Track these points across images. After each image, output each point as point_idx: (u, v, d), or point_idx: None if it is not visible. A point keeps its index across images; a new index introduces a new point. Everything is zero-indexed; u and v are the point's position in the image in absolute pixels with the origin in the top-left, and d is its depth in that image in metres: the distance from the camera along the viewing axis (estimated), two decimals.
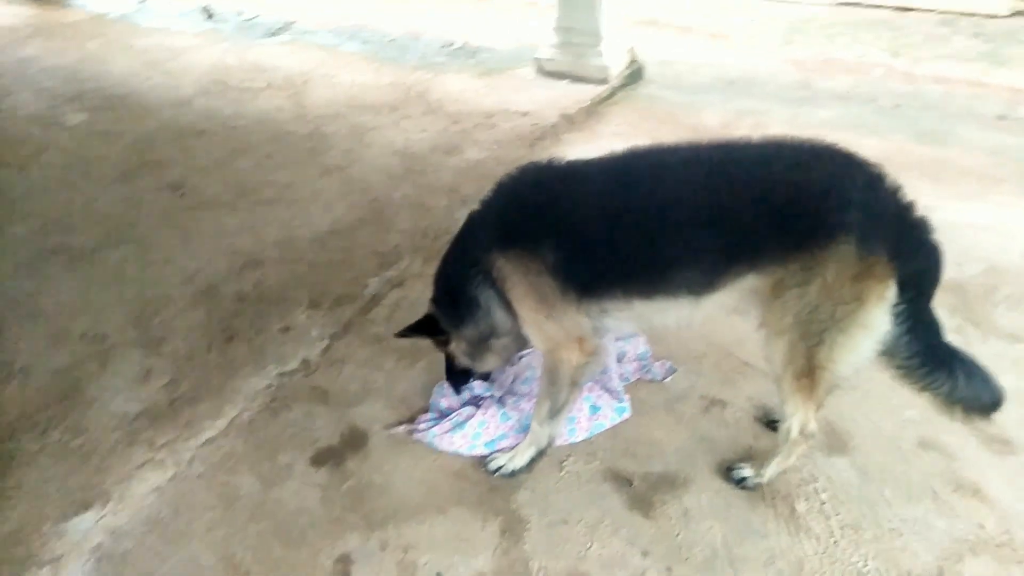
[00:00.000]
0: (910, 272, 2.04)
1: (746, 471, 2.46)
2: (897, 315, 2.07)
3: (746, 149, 2.19)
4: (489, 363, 2.66)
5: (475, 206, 2.45)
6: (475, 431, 2.62)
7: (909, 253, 2.04)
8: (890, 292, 2.04)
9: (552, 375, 2.40)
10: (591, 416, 2.68)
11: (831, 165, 2.09)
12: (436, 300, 2.55)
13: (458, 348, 2.58)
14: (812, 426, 2.31)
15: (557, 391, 2.40)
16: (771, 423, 2.68)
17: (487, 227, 2.36)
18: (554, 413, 2.45)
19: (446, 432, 2.61)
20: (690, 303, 2.23)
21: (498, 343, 2.55)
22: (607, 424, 2.69)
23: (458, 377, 2.72)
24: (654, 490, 2.47)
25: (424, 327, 2.55)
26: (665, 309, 2.27)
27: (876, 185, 2.04)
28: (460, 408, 2.72)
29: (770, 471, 2.43)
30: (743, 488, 2.45)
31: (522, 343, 2.55)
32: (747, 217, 2.07)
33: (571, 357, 2.33)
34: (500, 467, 2.52)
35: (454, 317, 2.49)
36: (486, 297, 2.38)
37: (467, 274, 2.38)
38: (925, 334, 2.14)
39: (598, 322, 2.33)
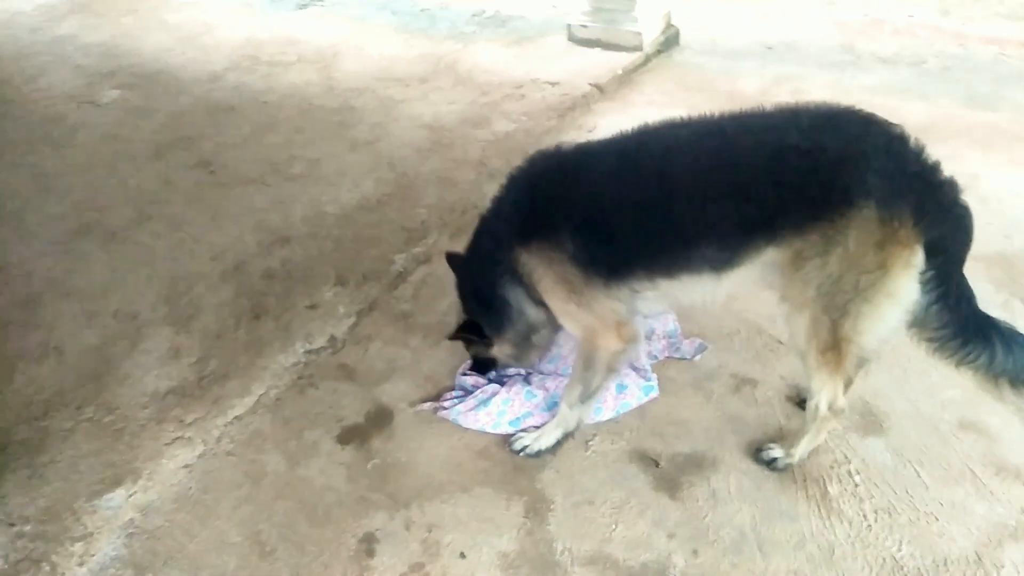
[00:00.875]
0: (937, 236, 1.94)
1: (775, 451, 2.41)
2: (926, 283, 1.98)
3: (760, 118, 2.11)
4: (532, 357, 2.67)
5: (487, 205, 2.44)
6: (500, 409, 2.60)
7: (935, 216, 1.93)
8: (916, 258, 1.94)
9: (588, 360, 2.36)
10: (617, 395, 2.64)
11: (848, 129, 2.01)
12: (470, 311, 2.53)
13: (502, 352, 2.59)
14: (841, 402, 2.24)
15: (591, 376, 2.38)
16: (803, 402, 2.61)
17: (503, 224, 2.33)
18: (585, 398, 2.42)
19: (470, 409, 2.60)
20: (712, 280, 2.18)
21: (538, 337, 2.55)
22: (633, 403, 2.65)
23: (484, 365, 2.70)
24: (681, 471, 2.44)
25: (472, 329, 2.52)
26: (689, 287, 2.23)
27: (897, 147, 1.96)
28: (485, 385, 2.71)
29: (800, 451, 2.37)
30: (773, 469, 2.40)
31: (558, 327, 2.51)
32: (762, 188, 2.00)
33: (608, 344, 2.30)
34: (525, 447, 2.50)
35: (492, 324, 2.47)
36: (516, 296, 2.37)
37: (492, 277, 2.37)
38: (956, 303, 2.04)
39: (630, 304, 2.29)
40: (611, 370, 2.38)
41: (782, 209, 2.00)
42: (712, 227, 2.09)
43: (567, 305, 2.29)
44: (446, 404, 2.67)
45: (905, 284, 1.96)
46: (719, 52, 5.65)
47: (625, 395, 2.66)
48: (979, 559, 2.13)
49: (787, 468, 2.40)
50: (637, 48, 5.44)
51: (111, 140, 4.64)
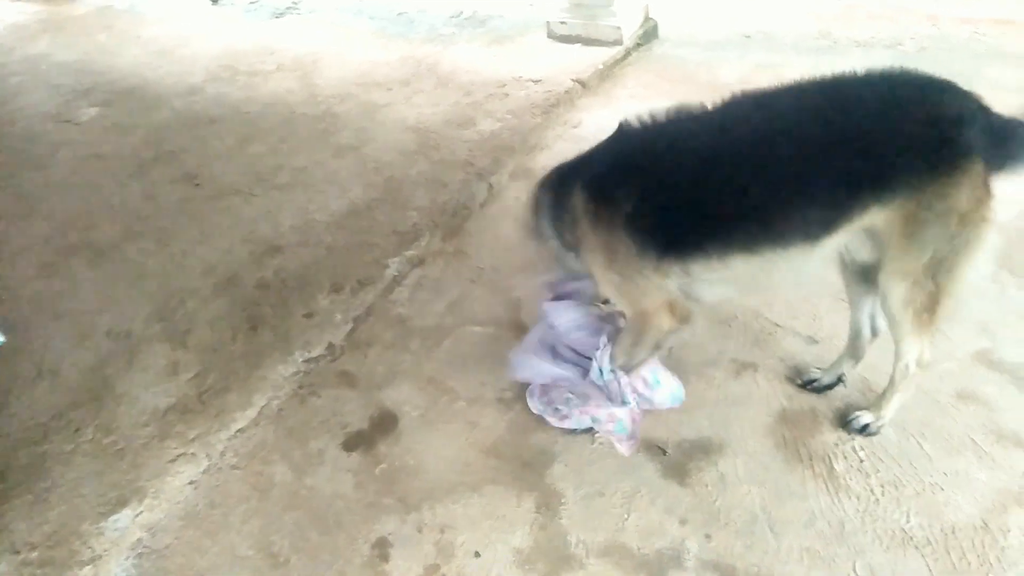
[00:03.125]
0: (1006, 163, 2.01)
1: (866, 417, 2.44)
2: None
3: (854, 80, 2.03)
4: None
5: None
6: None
7: (1010, 157, 1.99)
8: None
9: (636, 336, 2.30)
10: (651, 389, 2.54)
11: (949, 89, 2.00)
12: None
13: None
14: (928, 355, 2.27)
15: (637, 351, 2.35)
16: (806, 384, 2.64)
17: (573, 170, 2.28)
18: (627, 370, 2.41)
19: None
20: (803, 252, 2.04)
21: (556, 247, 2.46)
22: (656, 404, 2.55)
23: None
24: (688, 457, 2.45)
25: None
26: (771, 263, 2.07)
27: (980, 103, 1.99)
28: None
29: (890, 412, 2.41)
30: (866, 435, 2.43)
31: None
32: (875, 144, 1.93)
33: (661, 323, 2.22)
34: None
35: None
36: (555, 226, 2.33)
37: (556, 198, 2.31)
38: None
39: (685, 288, 2.19)
40: (658, 347, 2.33)
41: (898, 162, 1.94)
42: (817, 182, 1.96)
43: (609, 274, 2.20)
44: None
45: (993, 227, 2.02)
46: (698, 43, 5.69)
47: (656, 392, 2.53)
48: (986, 525, 2.16)
49: (879, 431, 2.43)
50: (617, 42, 5.46)
51: (92, 158, 4.60)
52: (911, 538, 2.14)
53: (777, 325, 2.92)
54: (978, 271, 2.08)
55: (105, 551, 2.25)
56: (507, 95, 4.90)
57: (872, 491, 2.28)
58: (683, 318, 2.24)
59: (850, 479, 2.33)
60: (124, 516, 2.34)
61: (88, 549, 2.25)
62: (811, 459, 2.40)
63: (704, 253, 2.08)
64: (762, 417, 2.56)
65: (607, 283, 2.25)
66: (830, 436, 2.47)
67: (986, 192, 1.97)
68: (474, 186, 3.93)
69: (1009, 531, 2.13)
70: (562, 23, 5.63)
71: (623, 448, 2.39)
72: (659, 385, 2.53)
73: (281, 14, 7.05)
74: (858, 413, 2.47)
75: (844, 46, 5.42)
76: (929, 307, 2.09)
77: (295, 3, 7.29)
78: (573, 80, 4.98)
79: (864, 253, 2.15)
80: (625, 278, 2.16)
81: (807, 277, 2.24)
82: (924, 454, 2.39)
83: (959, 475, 2.31)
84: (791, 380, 2.68)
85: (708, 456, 2.44)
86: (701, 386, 2.70)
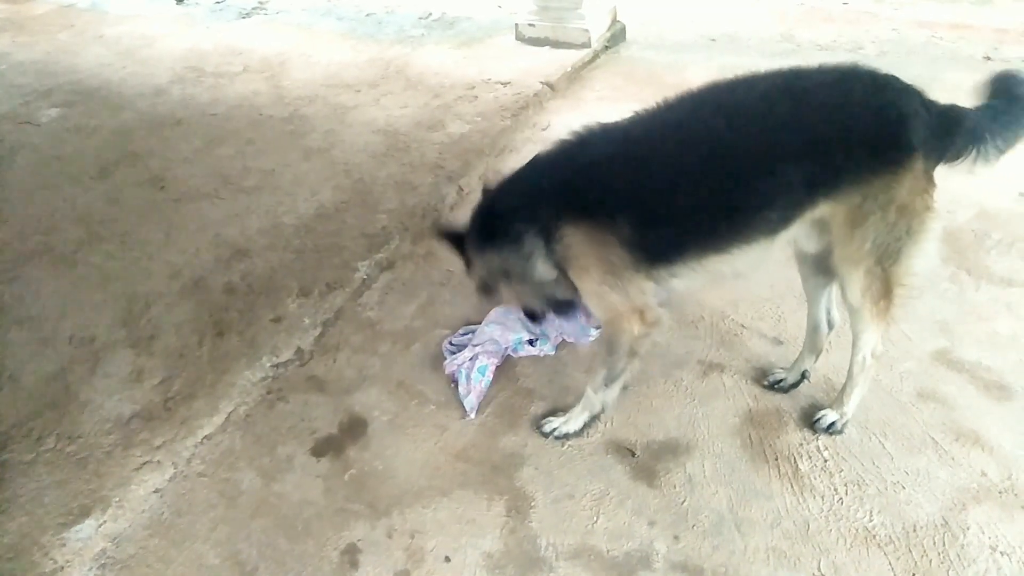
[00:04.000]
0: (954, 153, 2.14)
1: (830, 416, 2.51)
2: None
3: (802, 76, 2.15)
4: (500, 297, 2.62)
5: (544, 148, 2.35)
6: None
7: (951, 148, 2.12)
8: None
9: (611, 345, 2.38)
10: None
11: (890, 84, 2.10)
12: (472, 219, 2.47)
13: (475, 272, 2.54)
14: (880, 347, 2.39)
15: (616, 360, 2.39)
16: (772, 384, 2.68)
17: (555, 190, 2.23)
18: (610, 381, 2.44)
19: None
20: (763, 246, 2.21)
21: (520, 288, 2.46)
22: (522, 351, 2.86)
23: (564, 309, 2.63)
24: (657, 459, 2.47)
25: (453, 239, 2.53)
26: (738, 257, 2.22)
27: (922, 97, 2.09)
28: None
29: (852, 406, 2.49)
30: (833, 433, 2.50)
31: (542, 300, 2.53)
32: (828, 143, 2.05)
33: (632, 327, 2.30)
34: (554, 429, 2.55)
35: (482, 241, 2.43)
36: (532, 246, 2.28)
37: (522, 220, 2.28)
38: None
39: (665, 285, 2.30)
40: (634, 354, 2.38)
41: (848, 163, 2.06)
42: (779, 188, 2.09)
43: (601, 287, 2.25)
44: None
45: (936, 217, 2.14)
46: (665, 46, 5.75)
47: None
48: (946, 523, 2.21)
49: (845, 428, 2.50)
50: (585, 45, 5.50)
51: (54, 160, 4.49)
52: (874, 536, 2.18)
53: (743, 326, 2.96)
54: (927, 259, 2.21)
55: (67, 562, 2.20)
56: (476, 97, 4.90)
57: (836, 490, 2.33)
58: (652, 323, 2.31)
59: (815, 478, 2.37)
60: (87, 526, 2.29)
61: (50, 560, 2.20)
62: (777, 459, 2.44)
63: (687, 258, 2.23)
64: (729, 418, 2.59)
65: (595, 295, 2.30)
66: (795, 436, 2.51)
67: (927, 183, 2.10)
68: (443, 188, 3.93)
69: (968, 528, 2.19)
70: (530, 25, 5.65)
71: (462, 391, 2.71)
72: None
73: (248, 14, 6.97)
74: (823, 412, 2.52)
75: (807, 49, 5.52)
76: (884, 294, 2.21)
77: (262, 3, 7.21)
78: (542, 83, 5.01)
79: (813, 243, 2.32)
80: (614, 288, 2.24)
81: (764, 264, 2.36)
82: (886, 453, 2.44)
83: (920, 474, 2.37)
84: (757, 381, 2.73)
85: (676, 457, 2.47)
86: (669, 388, 2.73)
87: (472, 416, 2.64)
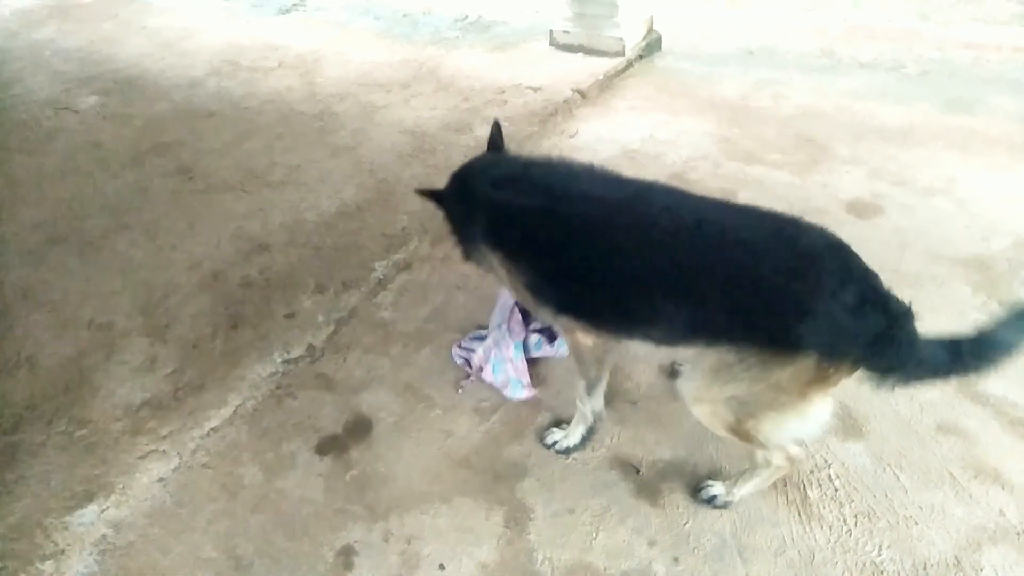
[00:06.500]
0: (879, 364, 1.78)
1: (715, 489, 2.34)
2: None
3: (729, 219, 1.93)
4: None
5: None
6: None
7: (876, 356, 1.76)
8: (839, 386, 1.85)
9: (576, 355, 2.36)
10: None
11: (816, 263, 1.78)
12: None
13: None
14: (795, 451, 2.17)
15: (585, 370, 2.37)
16: None
17: (483, 211, 2.21)
18: (590, 389, 2.41)
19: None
20: (651, 348, 2.14)
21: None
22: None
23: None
24: (662, 478, 2.42)
25: (435, 196, 2.51)
26: (629, 346, 2.20)
27: (852, 288, 1.74)
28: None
29: (743, 492, 2.30)
30: (713, 507, 2.32)
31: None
32: (720, 298, 1.84)
33: (585, 340, 2.27)
34: (555, 443, 2.52)
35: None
36: (478, 241, 2.29)
37: (471, 222, 2.30)
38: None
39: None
40: (599, 361, 2.33)
41: (732, 326, 1.85)
42: (659, 315, 1.97)
43: (530, 305, 2.28)
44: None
45: (819, 408, 1.90)
46: (700, 57, 5.68)
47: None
48: (958, 562, 2.13)
49: (727, 506, 2.31)
50: (619, 54, 5.45)
51: (88, 147, 4.59)
52: (882, 572, 2.11)
53: None
54: (798, 434, 2.00)
55: (68, 546, 2.23)
56: (506, 102, 4.89)
57: (845, 521, 2.26)
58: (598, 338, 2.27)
59: (824, 508, 2.30)
60: (90, 511, 2.32)
61: (51, 543, 2.23)
62: (785, 485, 2.37)
63: (583, 324, 2.20)
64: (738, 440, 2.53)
65: (533, 309, 2.33)
66: (806, 463, 2.44)
67: (819, 379, 1.80)
68: None
69: (982, 570, 2.11)
70: (565, 32, 5.62)
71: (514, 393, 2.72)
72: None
73: (287, 11, 7.05)
74: (710, 483, 2.35)
75: (847, 66, 5.40)
76: (738, 431, 2.01)
77: (302, 0, 7.29)
78: (572, 90, 4.97)
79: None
80: (539, 310, 2.27)
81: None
82: (900, 485, 2.36)
83: (935, 509, 2.28)
84: None
85: (681, 477, 2.42)
86: (677, 407, 2.66)
87: (531, 392, 2.71)
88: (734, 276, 1.82)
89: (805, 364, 1.78)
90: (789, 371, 1.81)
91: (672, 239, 1.90)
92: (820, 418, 1.94)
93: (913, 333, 1.75)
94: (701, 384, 2.00)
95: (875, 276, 1.79)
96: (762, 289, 1.79)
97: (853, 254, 1.82)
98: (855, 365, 1.79)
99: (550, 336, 2.86)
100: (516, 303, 2.80)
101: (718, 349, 1.90)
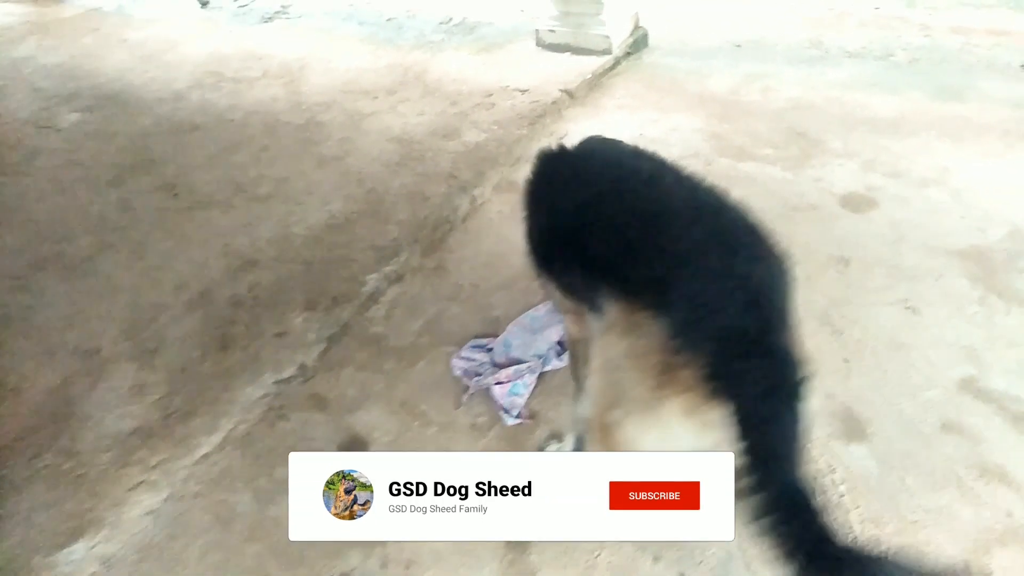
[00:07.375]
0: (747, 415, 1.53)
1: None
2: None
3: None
4: None
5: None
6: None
7: (733, 385, 1.53)
8: (704, 412, 1.58)
9: (567, 343, 2.38)
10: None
11: (728, 274, 1.63)
12: None
13: None
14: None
15: (573, 364, 2.34)
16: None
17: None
18: (578, 391, 2.35)
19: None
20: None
21: None
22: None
23: None
24: None
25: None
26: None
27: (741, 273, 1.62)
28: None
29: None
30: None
31: None
32: (629, 245, 1.75)
33: (571, 328, 2.26)
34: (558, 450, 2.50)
35: None
36: None
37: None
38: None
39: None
40: (583, 359, 2.22)
41: (625, 276, 1.74)
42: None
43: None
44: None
45: (678, 421, 1.62)
46: (688, 52, 5.63)
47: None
48: (967, 567, 2.08)
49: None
50: (606, 51, 5.40)
51: (71, 166, 4.52)
52: None
53: None
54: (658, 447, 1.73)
55: None
56: (493, 105, 4.83)
57: (851, 528, 2.21)
58: (587, 330, 2.14)
59: (830, 515, 2.25)
60: (79, 548, 2.26)
61: None
62: None
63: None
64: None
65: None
66: (810, 468, 2.39)
67: (667, 367, 1.58)
68: (456, 199, 3.86)
69: (992, 574, 2.07)
70: (551, 31, 5.56)
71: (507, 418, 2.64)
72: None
73: (270, 19, 6.98)
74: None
75: (836, 56, 5.36)
76: (601, 429, 1.80)
77: (284, 7, 7.22)
78: (561, 90, 4.92)
79: None
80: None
81: None
82: (906, 488, 2.32)
83: (941, 512, 2.24)
84: None
85: None
86: None
87: (524, 420, 2.66)
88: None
89: (656, 329, 1.59)
90: (643, 340, 1.62)
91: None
92: (679, 437, 1.66)
93: (795, 394, 1.53)
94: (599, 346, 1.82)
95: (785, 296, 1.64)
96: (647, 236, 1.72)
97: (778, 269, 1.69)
98: (706, 379, 1.54)
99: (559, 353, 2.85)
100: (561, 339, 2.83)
101: (608, 306, 1.76)
